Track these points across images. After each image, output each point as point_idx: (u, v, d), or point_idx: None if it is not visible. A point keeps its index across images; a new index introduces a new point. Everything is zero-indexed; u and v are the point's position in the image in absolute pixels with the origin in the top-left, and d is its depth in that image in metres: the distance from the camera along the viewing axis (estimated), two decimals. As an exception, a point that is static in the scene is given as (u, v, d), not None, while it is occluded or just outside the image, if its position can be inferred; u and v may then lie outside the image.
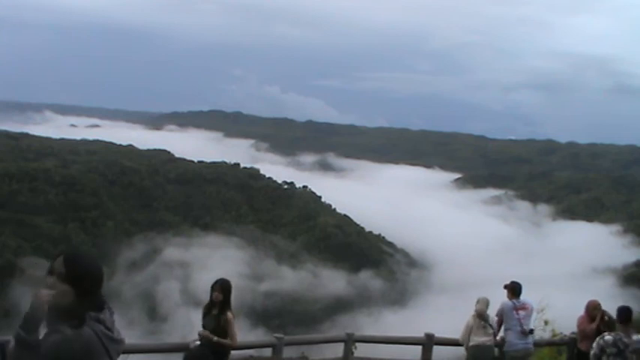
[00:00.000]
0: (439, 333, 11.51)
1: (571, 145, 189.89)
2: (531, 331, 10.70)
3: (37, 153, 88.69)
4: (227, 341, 8.09)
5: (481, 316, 10.47)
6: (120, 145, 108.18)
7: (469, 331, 10.41)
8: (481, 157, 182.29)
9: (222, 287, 8.08)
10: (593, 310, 10.57)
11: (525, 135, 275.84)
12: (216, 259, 68.03)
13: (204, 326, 8.16)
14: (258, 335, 41.35)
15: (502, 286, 10.86)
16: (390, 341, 12.19)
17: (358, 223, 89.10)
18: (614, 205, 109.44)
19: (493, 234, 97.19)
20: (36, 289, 3.23)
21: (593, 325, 10.47)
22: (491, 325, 10.47)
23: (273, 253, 75.76)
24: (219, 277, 8.41)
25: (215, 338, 7.98)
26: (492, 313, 10.68)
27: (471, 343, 10.49)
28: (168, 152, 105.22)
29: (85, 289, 3.25)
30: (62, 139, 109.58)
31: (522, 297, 10.68)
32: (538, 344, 12.25)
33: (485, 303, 10.54)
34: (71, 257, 3.35)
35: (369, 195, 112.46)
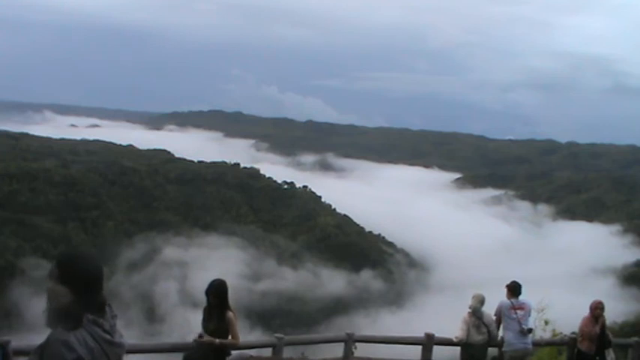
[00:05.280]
0: (438, 334, 11.51)
1: (571, 145, 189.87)
2: (530, 331, 10.69)
3: (37, 153, 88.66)
4: (230, 341, 8.05)
5: (475, 313, 10.45)
6: (120, 145, 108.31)
7: (468, 328, 10.39)
8: (481, 157, 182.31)
9: (216, 292, 7.98)
10: (595, 310, 10.58)
11: (525, 135, 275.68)
12: (216, 259, 68.03)
13: (204, 328, 8.13)
14: (257, 335, 41.34)
15: (504, 285, 10.87)
16: (390, 341, 12.19)
17: (358, 223, 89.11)
18: (614, 205, 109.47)
19: (493, 234, 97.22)
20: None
21: (597, 329, 10.48)
22: (484, 323, 10.44)
23: (273, 253, 75.76)
24: (218, 277, 8.35)
25: (217, 341, 7.91)
26: (488, 310, 10.67)
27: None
28: (168, 152, 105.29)
29: (81, 289, 3.19)
30: (62, 139, 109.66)
31: (522, 297, 10.68)
32: (538, 344, 12.25)
33: (478, 299, 10.51)
34: (64, 257, 3.31)
35: (369, 195, 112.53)
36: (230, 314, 8.01)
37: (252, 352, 10.25)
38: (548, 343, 13.00)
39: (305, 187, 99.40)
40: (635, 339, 13.85)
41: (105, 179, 79.89)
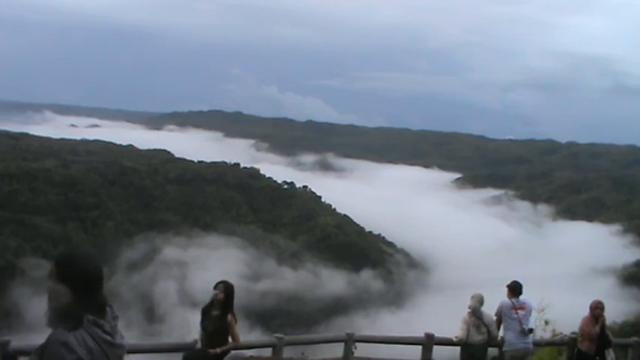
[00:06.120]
0: (438, 334, 11.50)
1: (571, 145, 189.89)
2: (531, 331, 10.68)
3: (37, 153, 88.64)
4: (230, 345, 8.14)
5: (475, 313, 10.43)
6: (120, 145, 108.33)
7: (468, 328, 10.37)
8: (481, 157, 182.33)
9: (226, 287, 8.08)
10: (595, 310, 10.57)
11: (525, 135, 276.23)
12: (216, 259, 68.03)
13: (204, 328, 8.13)
14: (257, 335, 41.33)
15: (504, 285, 10.86)
16: (390, 341, 12.18)
17: (358, 223, 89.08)
18: (614, 205, 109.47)
19: (493, 234, 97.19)
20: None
21: (597, 329, 10.47)
22: (484, 323, 10.43)
23: (273, 253, 75.74)
24: (219, 277, 8.40)
25: (219, 350, 7.99)
26: (487, 310, 10.65)
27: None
28: (168, 152, 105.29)
29: (81, 288, 3.16)
30: (62, 139, 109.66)
31: (522, 297, 10.67)
32: (538, 344, 12.25)
33: (478, 299, 10.49)
34: (63, 257, 3.29)
35: (369, 195, 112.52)
36: (229, 317, 8.07)
37: (252, 352, 10.26)
38: (549, 343, 13.00)
39: (305, 187, 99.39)
40: (635, 339, 13.84)
41: (105, 179, 79.86)
